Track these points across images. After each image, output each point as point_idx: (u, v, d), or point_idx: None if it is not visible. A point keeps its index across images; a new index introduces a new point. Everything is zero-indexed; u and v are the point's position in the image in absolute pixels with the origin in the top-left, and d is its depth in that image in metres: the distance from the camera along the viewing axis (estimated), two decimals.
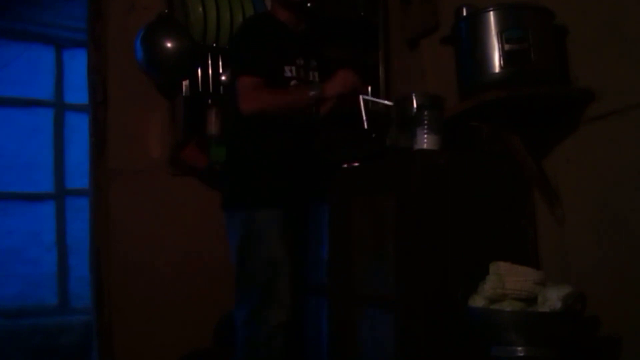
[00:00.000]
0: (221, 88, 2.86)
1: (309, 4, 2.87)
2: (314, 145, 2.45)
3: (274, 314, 2.20)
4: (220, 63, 2.87)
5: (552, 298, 1.74)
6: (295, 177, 2.33)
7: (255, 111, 2.20)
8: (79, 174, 4.24)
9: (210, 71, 2.86)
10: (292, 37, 2.38)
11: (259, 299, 2.22)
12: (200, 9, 2.82)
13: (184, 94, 2.82)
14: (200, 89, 2.86)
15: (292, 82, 2.32)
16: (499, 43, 1.93)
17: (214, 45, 2.85)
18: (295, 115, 2.29)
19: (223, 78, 2.87)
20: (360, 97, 2.33)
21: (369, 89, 2.71)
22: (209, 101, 2.84)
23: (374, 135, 2.47)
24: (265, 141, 2.28)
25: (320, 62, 2.49)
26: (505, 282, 1.81)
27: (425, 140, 2.00)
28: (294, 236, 2.34)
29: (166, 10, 2.81)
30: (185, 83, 2.81)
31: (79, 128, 4.26)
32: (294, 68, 2.34)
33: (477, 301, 1.82)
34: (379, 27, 3.10)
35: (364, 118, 2.30)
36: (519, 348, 1.71)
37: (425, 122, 2.00)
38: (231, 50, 2.52)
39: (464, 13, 2.17)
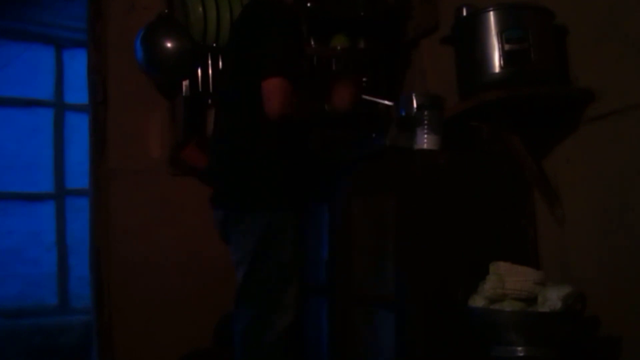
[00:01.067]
0: None
1: (308, 4, 2.88)
2: (314, 145, 2.45)
3: (281, 318, 2.15)
4: (220, 63, 2.87)
5: (552, 298, 1.74)
6: (304, 178, 2.30)
7: (283, 118, 2.10)
8: (79, 174, 4.24)
9: (210, 71, 2.86)
10: (299, 25, 2.27)
11: (268, 303, 2.16)
12: (200, 9, 2.82)
13: (184, 94, 2.81)
14: (200, 89, 2.86)
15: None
16: (499, 43, 1.93)
17: (214, 45, 2.84)
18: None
19: None
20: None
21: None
22: (209, 101, 2.84)
23: (374, 135, 2.47)
24: (277, 141, 2.19)
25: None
26: (505, 282, 1.81)
27: (425, 140, 2.00)
28: (303, 240, 2.31)
29: (166, 10, 2.81)
30: (185, 83, 2.81)
31: (79, 128, 4.26)
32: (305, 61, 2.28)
33: (477, 301, 1.82)
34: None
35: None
36: (519, 348, 1.71)
37: (425, 122, 2.00)
38: (254, 44, 2.15)
39: (464, 13, 2.16)
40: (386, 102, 2.78)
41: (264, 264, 2.17)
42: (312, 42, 2.95)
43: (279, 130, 2.17)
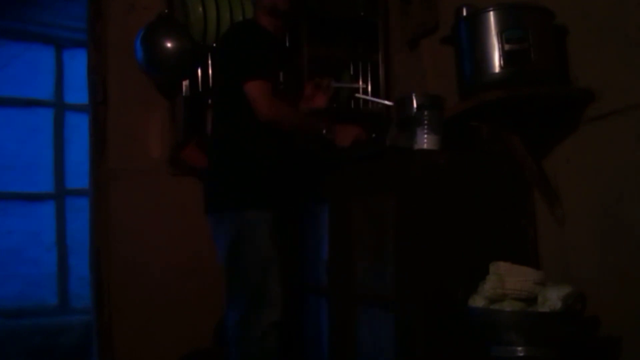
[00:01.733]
0: None
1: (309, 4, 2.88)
2: (314, 146, 2.46)
3: (265, 314, 2.21)
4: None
5: (552, 298, 1.74)
6: (286, 178, 2.33)
7: (273, 119, 2.22)
8: (79, 174, 4.23)
9: (210, 71, 2.86)
10: (278, 47, 2.40)
11: (251, 300, 2.23)
12: (200, 9, 2.82)
13: (184, 94, 2.82)
14: (200, 89, 2.86)
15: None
16: (499, 43, 1.93)
17: (214, 45, 2.84)
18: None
19: None
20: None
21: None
22: (209, 101, 2.84)
23: (374, 135, 2.48)
24: (257, 142, 2.27)
25: (291, 75, 2.53)
26: (505, 282, 1.81)
27: (425, 140, 1.99)
28: (284, 237, 2.34)
29: (166, 10, 2.81)
30: (185, 83, 2.81)
31: (79, 128, 4.26)
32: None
33: (477, 301, 1.82)
34: (379, 27, 3.10)
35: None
36: (519, 348, 1.71)
37: (425, 122, 2.00)
38: (233, 52, 2.34)
39: (464, 13, 2.16)
40: (386, 102, 2.79)
41: (241, 263, 2.25)
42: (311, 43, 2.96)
43: (258, 132, 2.25)
